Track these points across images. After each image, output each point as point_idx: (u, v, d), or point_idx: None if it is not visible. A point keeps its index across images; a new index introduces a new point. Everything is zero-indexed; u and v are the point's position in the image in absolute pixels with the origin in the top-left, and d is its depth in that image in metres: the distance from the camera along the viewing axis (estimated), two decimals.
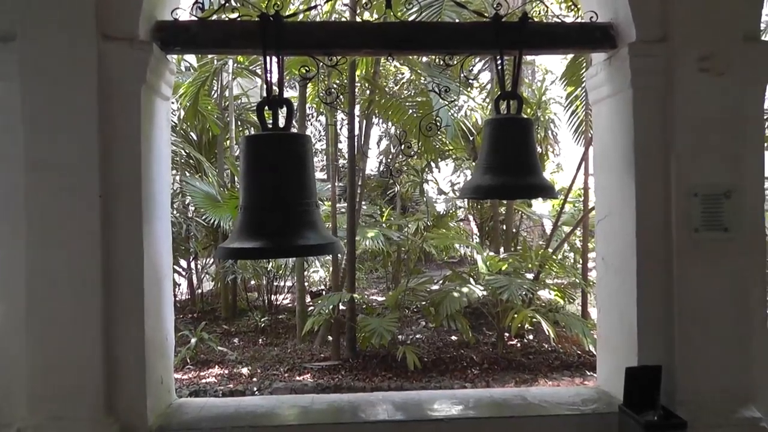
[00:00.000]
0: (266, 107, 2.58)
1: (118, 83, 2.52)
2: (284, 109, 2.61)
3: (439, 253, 13.16)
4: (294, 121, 2.71)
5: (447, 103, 2.96)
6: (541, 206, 16.86)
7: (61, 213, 2.47)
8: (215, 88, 12.40)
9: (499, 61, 2.92)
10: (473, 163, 13.41)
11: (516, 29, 2.81)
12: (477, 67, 12.18)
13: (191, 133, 12.70)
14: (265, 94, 2.58)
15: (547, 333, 6.18)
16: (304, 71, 2.83)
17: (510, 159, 2.85)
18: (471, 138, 13.90)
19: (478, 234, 13.79)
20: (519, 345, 8.04)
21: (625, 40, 2.90)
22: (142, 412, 2.60)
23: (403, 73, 11.48)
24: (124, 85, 2.54)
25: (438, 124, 2.88)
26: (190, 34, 2.73)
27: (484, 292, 6.74)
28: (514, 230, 11.20)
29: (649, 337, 2.81)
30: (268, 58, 2.62)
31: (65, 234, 2.47)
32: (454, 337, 8.58)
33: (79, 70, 2.46)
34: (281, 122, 2.60)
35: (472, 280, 7.32)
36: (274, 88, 2.64)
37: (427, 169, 14.60)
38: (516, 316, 6.41)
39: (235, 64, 12.06)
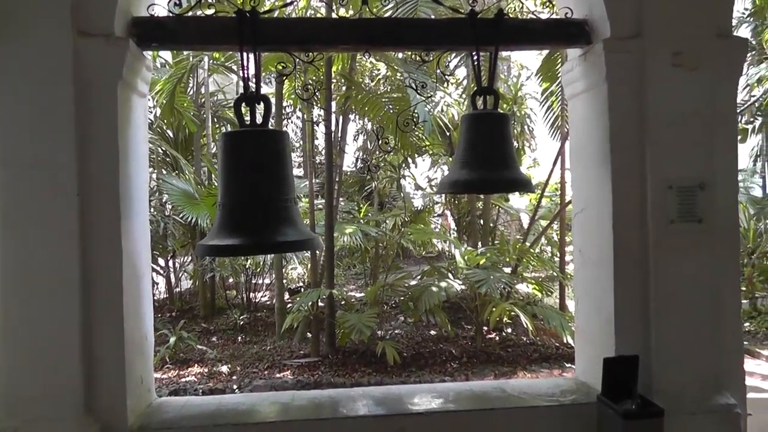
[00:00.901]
0: (243, 103, 2.57)
1: (94, 80, 2.49)
2: (262, 106, 2.61)
3: (417, 248, 13.23)
4: (271, 118, 2.69)
5: (424, 98, 2.98)
6: (518, 201, 17.01)
7: (38, 212, 2.43)
8: (191, 85, 12.28)
9: (475, 57, 2.94)
10: (450, 159, 13.49)
11: (492, 25, 2.83)
12: (453, 63, 12.26)
13: (167, 131, 12.57)
14: (242, 91, 2.56)
15: (525, 326, 6.23)
16: (281, 67, 2.80)
17: (487, 154, 2.87)
18: (448, 133, 13.99)
19: (455, 229, 13.87)
20: (498, 338, 8.09)
21: (600, 36, 2.94)
22: (121, 411, 2.57)
23: (379, 69, 11.48)
24: (101, 82, 2.50)
25: (415, 119, 2.89)
26: (167, 31, 2.70)
27: (463, 286, 6.77)
28: (491, 225, 11.26)
29: (626, 327, 2.85)
30: (245, 54, 2.61)
31: (42, 233, 2.44)
32: (433, 332, 8.62)
33: (54, 67, 2.42)
34: (259, 119, 2.60)
35: (450, 274, 7.36)
36: (252, 84, 2.63)
37: (404, 165, 14.66)
38: (494, 309, 6.46)
39: (211, 61, 11.94)
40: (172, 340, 6.83)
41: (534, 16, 2.98)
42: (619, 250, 2.88)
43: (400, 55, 7.64)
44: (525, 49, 3.32)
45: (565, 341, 6.37)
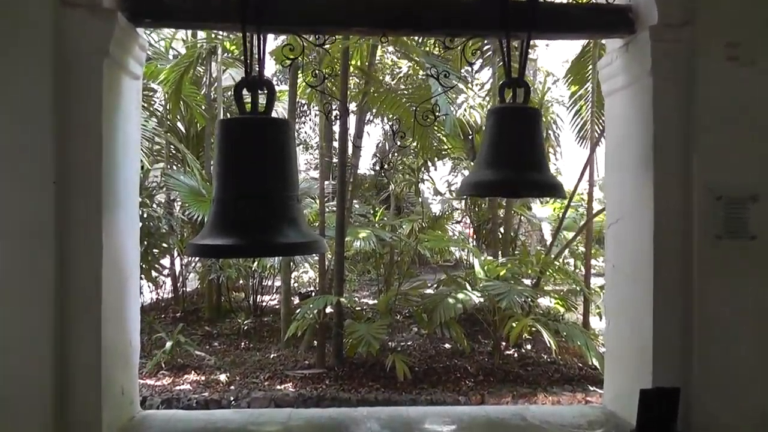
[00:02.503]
0: (245, 89, 2.37)
1: (76, 55, 2.30)
2: (265, 93, 2.42)
3: (434, 256, 12.98)
4: (275, 106, 2.49)
5: (447, 88, 2.77)
6: (541, 210, 16.70)
7: (8, 201, 2.24)
8: (204, 80, 12.16)
9: (504, 44, 2.72)
10: (471, 163, 13.26)
11: (525, 9, 2.60)
12: (477, 64, 12.03)
13: (179, 125, 12.48)
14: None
15: (548, 344, 5.95)
16: (289, 51, 2.60)
17: (514, 153, 2.64)
18: (470, 136, 13.75)
19: (474, 237, 13.61)
20: (516, 355, 7.82)
21: (645, 24, 2.70)
22: (96, 426, 2.37)
23: (400, 68, 11.28)
24: (84, 57, 2.31)
25: (435, 112, 2.66)
26: (163, 5, 2.52)
27: (481, 299, 6.50)
28: (512, 234, 10.97)
29: (665, 355, 2.60)
30: (248, 34, 2.41)
31: (13, 225, 2.25)
32: (447, 345, 8.38)
33: (31, 38, 2.24)
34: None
35: (468, 285, 7.10)
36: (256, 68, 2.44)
37: (423, 169, 14.42)
38: (515, 325, 6.19)
39: (225, 54, 11.82)
40: (169, 344, 6.63)
41: (572, 0, 2.75)
42: (660, 266, 2.63)
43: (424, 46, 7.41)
44: (560, 37, 3.09)
45: (589, 363, 6.07)
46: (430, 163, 13.90)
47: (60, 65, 2.26)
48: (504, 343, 7.62)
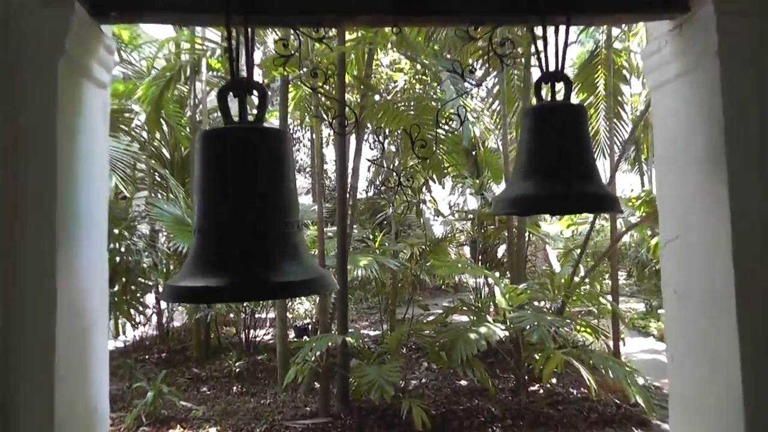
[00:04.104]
0: (231, 93, 2.01)
1: (24, 53, 1.93)
2: (255, 96, 2.06)
3: (433, 279, 12.59)
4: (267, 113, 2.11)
5: (468, 89, 2.45)
6: (548, 227, 16.37)
7: None
8: (188, 101, 11.84)
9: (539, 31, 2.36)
10: (476, 181, 12.94)
11: None
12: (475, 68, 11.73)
13: (163, 150, 12.15)
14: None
15: (586, 381, 5.52)
16: (282, 47, 2.24)
17: (559, 160, 2.29)
18: (473, 152, 13.44)
19: (471, 260, 13.28)
20: (542, 392, 7.37)
21: (702, 1, 2.35)
22: None
23: (395, 81, 11.01)
24: (32, 56, 1.94)
25: (451, 119, 2.31)
26: None
27: (506, 332, 6.07)
28: (527, 256, 10.55)
29: (759, 402, 2.19)
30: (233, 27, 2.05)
31: None
32: (463, 382, 7.89)
33: None
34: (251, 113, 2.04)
35: (487, 315, 6.66)
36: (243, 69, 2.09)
37: (424, 189, 14.07)
38: (549, 359, 5.75)
39: (210, 72, 11.53)
40: (150, 395, 6.15)
41: None
42: (744, 292, 2.24)
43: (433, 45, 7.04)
44: (602, 21, 2.76)
45: (632, 401, 5.59)
46: (432, 182, 13.58)
47: (5, 66, 1.90)
48: (526, 377, 7.17)
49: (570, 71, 15.88)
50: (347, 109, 2.53)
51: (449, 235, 14.03)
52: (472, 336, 5.88)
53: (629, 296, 15.39)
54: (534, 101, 2.53)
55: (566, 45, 2.39)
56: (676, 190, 2.72)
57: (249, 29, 2.11)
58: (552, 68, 2.34)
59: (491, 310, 7.74)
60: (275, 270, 1.80)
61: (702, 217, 2.47)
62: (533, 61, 9.41)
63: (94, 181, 2.27)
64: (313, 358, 6.00)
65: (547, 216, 15.55)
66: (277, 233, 1.87)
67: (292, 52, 2.23)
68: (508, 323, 6.20)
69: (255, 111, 2.02)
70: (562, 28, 2.35)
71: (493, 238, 13.54)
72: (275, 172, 1.93)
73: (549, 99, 2.38)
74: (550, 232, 14.56)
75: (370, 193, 18.18)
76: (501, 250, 13.69)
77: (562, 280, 7.55)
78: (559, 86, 2.34)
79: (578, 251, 13.63)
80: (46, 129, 1.96)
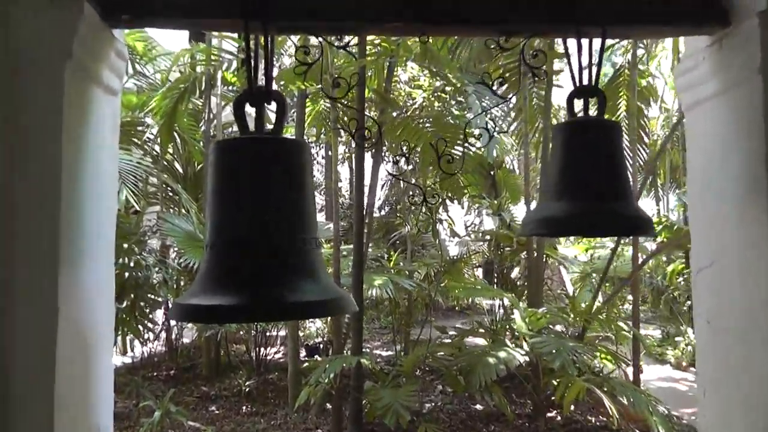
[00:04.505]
0: (248, 103, 1.93)
1: (28, 56, 1.85)
2: (273, 107, 1.98)
3: (447, 300, 12.45)
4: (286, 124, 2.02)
5: (497, 102, 2.36)
6: (565, 250, 16.17)
7: None
8: (203, 115, 11.85)
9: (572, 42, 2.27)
10: (494, 202, 12.83)
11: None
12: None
13: (176, 165, 12.14)
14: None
15: (609, 410, 5.34)
16: (303, 54, 2.16)
17: (591, 179, 2.19)
18: (492, 172, 13.33)
19: (485, 282, 13.12)
20: (560, 419, 7.20)
21: (748, 11, 2.24)
22: None
23: (414, 98, 10.97)
24: (38, 58, 1.86)
25: (478, 135, 2.21)
26: None
27: (526, 358, 5.93)
28: (546, 279, 10.37)
29: None
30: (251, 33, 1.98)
31: None
32: (479, 406, 7.72)
33: None
34: (269, 124, 1.96)
35: (507, 340, 6.51)
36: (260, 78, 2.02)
37: (441, 208, 13.97)
38: (569, 386, 5.59)
39: (225, 86, 11.54)
40: (157, 414, 6.04)
41: None
42: None
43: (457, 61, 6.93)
44: (636, 34, 2.65)
45: None
46: (450, 202, 13.49)
47: (6, 68, 1.82)
48: (544, 402, 7.00)
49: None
50: (370, 121, 2.45)
51: (464, 256, 13.89)
52: (491, 360, 5.74)
53: (644, 323, 15.17)
54: (562, 117, 2.43)
55: (601, 58, 2.30)
56: (710, 213, 2.60)
57: (268, 36, 2.04)
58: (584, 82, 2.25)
59: (508, 333, 7.61)
60: (291, 289, 1.71)
61: (739, 243, 2.35)
62: (554, 79, 9.38)
63: (101, 192, 2.19)
64: (326, 380, 5.87)
65: (563, 238, 15.39)
66: (294, 250, 1.78)
67: (312, 60, 2.14)
68: (528, 348, 6.04)
69: (273, 122, 1.95)
70: (596, 41, 2.26)
71: (510, 260, 13.41)
72: (293, 185, 1.84)
73: (582, 114, 2.29)
74: (567, 256, 14.38)
75: (383, 212, 18.13)
76: (515, 273, 13.55)
77: (583, 305, 7.38)
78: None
79: (595, 276, 13.51)
80: (51, 135, 1.88)
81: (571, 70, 2.37)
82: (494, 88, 2.28)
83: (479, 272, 16.56)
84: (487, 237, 13.71)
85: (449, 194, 10.44)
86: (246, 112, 1.91)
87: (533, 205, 14.97)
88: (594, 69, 2.28)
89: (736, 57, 2.31)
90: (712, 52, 2.46)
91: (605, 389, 5.52)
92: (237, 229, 1.77)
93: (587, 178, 2.17)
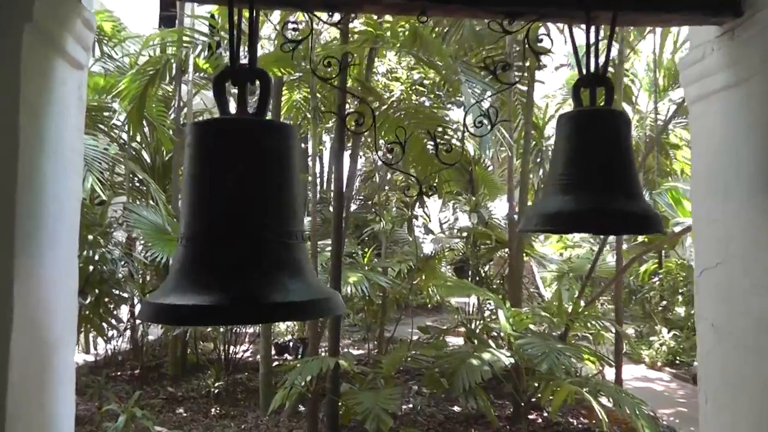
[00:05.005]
0: (229, 81, 1.77)
1: None
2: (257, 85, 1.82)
3: (416, 298, 12.40)
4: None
5: (499, 89, 2.22)
6: (542, 248, 16.21)
7: None
8: (173, 103, 11.55)
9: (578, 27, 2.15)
10: (472, 198, 12.74)
11: None
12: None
13: (143, 154, 11.80)
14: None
15: (600, 415, 5.23)
16: (293, 31, 2.01)
17: (598, 173, 2.08)
18: (469, 168, 13.22)
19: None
20: (541, 421, 7.13)
21: (762, 3, 2.16)
22: None
23: (392, 90, 10.84)
24: None
25: (491, 117, 2.07)
26: None
27: (512, 360, 5.82)
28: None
29: None
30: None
31: None
32: (456, 408, 7.63)
33: None
34: (251, 105, 1.80)
35: (490, 341, 6.42)
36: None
37: (418, 204, 13.82)
38: (557, 390, 5.48)
39: (197, 74, 11.26)
40: (122, 420, 5.80)
41: None
42: None
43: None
44: (646, 22, 2.55)
45: None
46: (426, 198, 13.34)
47: None
48: (522, 404, 6.92)
49: (560, 95, 15.93)
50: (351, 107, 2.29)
51: (439, 254, 13.79)
52: (475, 362, 5.62)
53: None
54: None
55: (610, 44, 2.18)
56: (716, 211, 2.51)
57: (254, 9, 1.88)
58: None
59: (493, 334, 7.56)
60: (276, 288, 1.56)
61: (747, 243, 2.26)
62: (537, 75, 9.30)
63: (64, 174, 2.01)
64: (303, 383, 5.69)
65: (541, 236, 15.40)
66: (278, 244, 1.62)
67: (302, 37, 1.99)
68: (513, 349, 5.94)
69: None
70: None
71: (486, 258, 13.34)
72: (278, 173, 1.69)
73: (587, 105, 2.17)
74: (546, 254, 14.39)
75: (354, 207, 17.91)
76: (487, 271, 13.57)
77: (569, 305, 7.32)
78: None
79: (572, 275, 13.52)
80: (5, 106, 1.70)
81: (577, 58, 2.27)
82: (510, 65, 2.14)
83: (447, 271, 16.47)
84: (464, 234, 13.63)
85: (429, 189, 10.31)
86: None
87: (506, 203, 14.99)
88: (604, 56, 2.16)
89: (750, 48, 2.23)
90: (722, 42, 2.37)
91: (589, 391, 5.44)
92: (215, 220, 1.61)
93: (596, 172, 2.06)
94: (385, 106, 8.39)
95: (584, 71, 2.15)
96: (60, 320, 2.03)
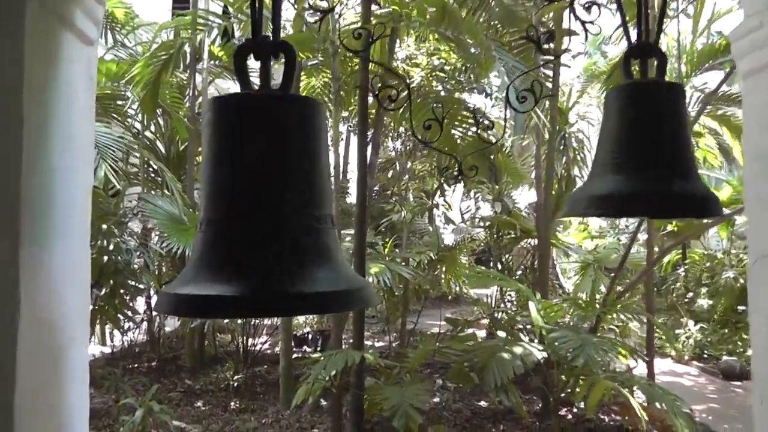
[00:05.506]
0: (252, 54, 1.63)
1: None
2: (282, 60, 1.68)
3: (435, 289, 12.30)
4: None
5: (543, 62, 2.07)
6: (568, 237, 15.98)
7: None
8: (187, 91, 11.47)
9: None
10: (496, 186, 12.55)
11: None
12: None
13: (158, 144, 11.75)
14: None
15: (639, 414, 5.06)
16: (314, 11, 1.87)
17: (652, 152, 1.94)
18: (491, 157, 13.01)
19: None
20: (570, 416, 6.97)
21: None
22: None
23: (412, 77, 10.68)
24: None
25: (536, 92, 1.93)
26: None
27: (545, 354, 5.65)
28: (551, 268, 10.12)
29: None
30: None
31: None
32: (483, 403, 7.51)
33: None
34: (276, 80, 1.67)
35: (521, 334, 6.27)
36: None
37: (439, 192, 13.68)
38: (594, 387, 5.30)
39: (213, 62, 11.17)
40: (139, 414, 5.72)
41: None
42: None
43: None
44: None
45: None
46: (447, 186, 13.21)
47: None
48: (551, 399, 6.77)
49: (577, 83, 15.69)
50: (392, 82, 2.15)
51: (460, 244, 13.64)
52: (506, 356, 5.46)
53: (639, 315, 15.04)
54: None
55: (663, 11, 2.02)
56: None
57: None
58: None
59: (517, 326, 7.40)
60: (304, 277, 1.43)
61: None
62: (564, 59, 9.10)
63: (73, 158, 1.90)
64: (326, 379, 5.57)
65: (560, 225, 15.19)
66: (306, 229, 1.49)
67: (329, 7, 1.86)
68: (546, 342, 5.77)
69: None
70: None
71: (509, 248, 13.17)
72: (305, 152, 1.55)
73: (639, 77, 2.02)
74: (571, 244, 14.17)
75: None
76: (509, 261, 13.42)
77: (600, 297, 7.12)
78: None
79: (597, 266, 13.29)
80: (8, 84, 1.58)
81: (625, 26, 2.12)
82: (553, 34, 2.00)
83: (468, 261, 16.34)
84: (487, 223, 13.45)
85: (454, 177, 10.16)
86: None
87: (530, 192, 14.76)
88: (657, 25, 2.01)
89: None
90: None
91: (623, 387, 5.27)
92: (237, 203, 1.48)
93: (651, 150, 1.91)
94: (405, 93, 8.22)
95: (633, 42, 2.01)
96: (72, 315, 1.93)
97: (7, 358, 1.53)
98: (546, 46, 1.95)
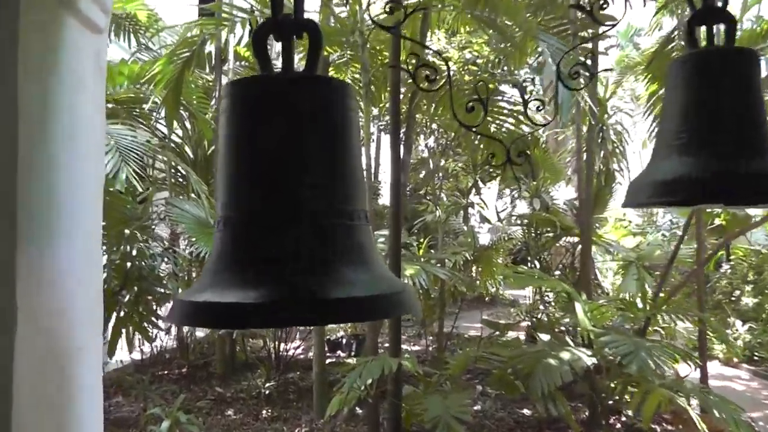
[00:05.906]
0: (273, 35, 1.47)
1: None
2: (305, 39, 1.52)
3: (471, 290, 12.11)
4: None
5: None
6: (607, 234, 15.59)
7: None
8: (213, 93, 11.43)
9: None
10: (533, 183, 12.28)
11: None
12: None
13: (186, 148, 11.75)
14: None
15: (699, 426, 4.80)
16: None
17: (727, 127, 1.73)
18: (528, 152, 12.71)
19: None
20: (619, 425, 6.73)
21: None
22: None
23: (444, 71, 10.49)
24: None
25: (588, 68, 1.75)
26: None
27: (594, 359, 5.41)
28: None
29: None
30: None
31: None
32: (526, 411, 7.29)
33: None
34: (298, 62, 1.51)
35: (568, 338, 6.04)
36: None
37: (474, 191, 13.46)
38: (647, 395, 5.06)
39: (238, 62, 11.12)
40: (165, 425, 5.61)
41: None
42: None
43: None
44: None
45: None
46: (482, 184, 12.98)
47: None
48: (599, 407, 6.53)
49: (611, 76, 15.36)
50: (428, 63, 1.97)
51: (497, 243, 13.41)
52: (553, 362, 5.23)
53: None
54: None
55: None
56: None
57: None
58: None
59: (559, 329, 7.20)
60: (335, 280, 1.29)
61: None
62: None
63: (79, 154, 1.76)
64: (361, 387, 5.41)
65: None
66: (337, 226, 1.33)
67: None
68: (595, 347, 5.53)
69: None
70: None
71: (549, 246, 12.89)
72: (335, 140, 1.40)
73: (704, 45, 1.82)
74: (613, 242, 13.83)
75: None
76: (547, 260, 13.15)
77: (648, 297, 6.86)
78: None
79: (638, 264, 12.93)
80: (3, 77, 1.45)
81: None
82: (606, 5, 1.81)
83: (505, 261, 16.10)
84: (524, 221, 13.20)
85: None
86: None
87: (570, 188, 14.46)
88: None
89: None
90: None
91: (681, 395, 5.02)
92: (258, 200, 1.32)
93: (723, 126, 1.70)
94: (438, 86, 8.05)
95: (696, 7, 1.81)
96: (81, 321, 1.79)
97: (3, 373, 1.39)
98: (602, 12, 1.75)
